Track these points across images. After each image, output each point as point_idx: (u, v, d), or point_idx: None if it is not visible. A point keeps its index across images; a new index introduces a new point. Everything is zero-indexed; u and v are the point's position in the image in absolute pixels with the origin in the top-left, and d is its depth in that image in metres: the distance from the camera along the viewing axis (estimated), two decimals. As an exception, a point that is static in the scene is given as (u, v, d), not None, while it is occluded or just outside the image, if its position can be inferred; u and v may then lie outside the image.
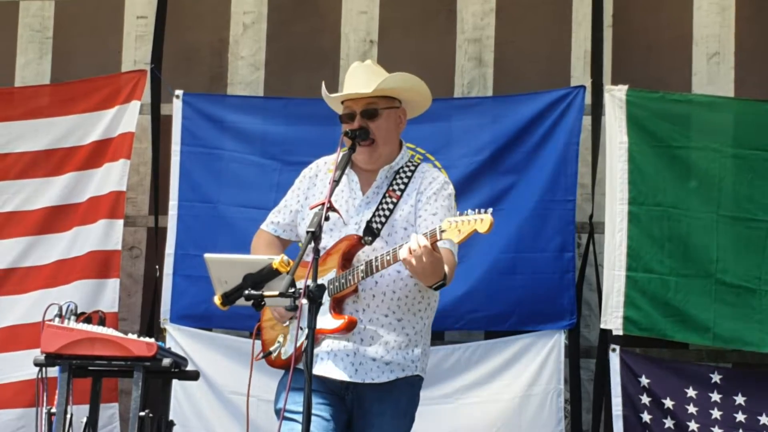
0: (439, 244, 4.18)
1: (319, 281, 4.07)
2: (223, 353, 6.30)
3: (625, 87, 6.10)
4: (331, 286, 4.34)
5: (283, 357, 4.44)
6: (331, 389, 4.37)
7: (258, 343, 4.54)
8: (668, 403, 5.95)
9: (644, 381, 5.97)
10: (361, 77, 4.52)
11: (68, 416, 5.13)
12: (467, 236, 4.10)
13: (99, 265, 6.43)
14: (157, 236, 6.55)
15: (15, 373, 6.38)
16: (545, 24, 6.63)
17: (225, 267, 4.20)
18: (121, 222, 6.45)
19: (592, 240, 6.19)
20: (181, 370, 5.30)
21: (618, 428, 5.94)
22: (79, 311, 5.29)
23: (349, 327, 4.32)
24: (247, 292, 4.07)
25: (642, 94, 6.11)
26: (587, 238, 6.20)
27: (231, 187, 6.43)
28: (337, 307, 4.36)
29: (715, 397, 5.95)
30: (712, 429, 5.91)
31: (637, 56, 6.50)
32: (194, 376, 5.45)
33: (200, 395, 6.27)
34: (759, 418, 5.90)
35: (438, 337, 6.20)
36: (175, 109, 6.49)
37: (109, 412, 6.30)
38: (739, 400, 5.93)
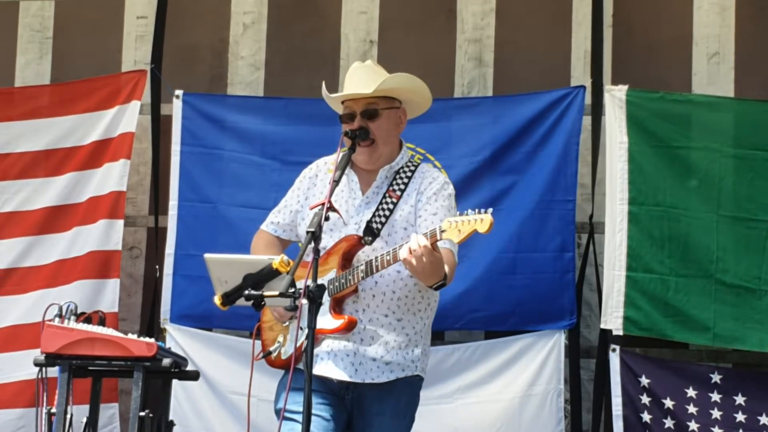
0: (439, 243, 4.18)
1: (319, 281, 4.07)
2: (223, 353, 6.30)
3: (625, 87, 6.10)
4: (331, 286, 4.34)
5: (283, 357, 4.44)
6: (331, 389, 4.37)
7: (258, 343, 4.54)
8: (668, 403, 5.95)
9: (644, 381, 5.97)
10: (362, 77, 4.52)
11: (68, 416, 5.13)
12: (467, 236, 4.10)
13: (99, 265, 6.43)
14: (157, 236, 6.55)
15: (15, 373, 6.38)
16: (545, 24, 6.63)
17: (225, 267, 4.20)
18: (121, 222, 6.45)
19: (592, 240, 6.19)
20: (181, 370, 5.30)
21: (618, 428, 5.94)
22: (79, 311, 5.29)
23: (349, 327, 4.32)
24: (247, 292, 4.07)
25: (642, 94, 6.11)
26: (587, 238, 6.20)
27: (231, 187, 6.43)
28: (337, 307, 4.36)
29: (715, 397, 5.95)
30: (712, 429, 5.91)
31: (637, 56, 6.50)
32: (194, 376, 5.45)
33: (200, 395, 6.27)
34: (759, 418, 5.90)
35: (438, 337, 6.21)
36: (175, 109, 6.49)
37: (109, 412, 6.30)
38: (739, 400, 5.93)
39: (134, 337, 5.18)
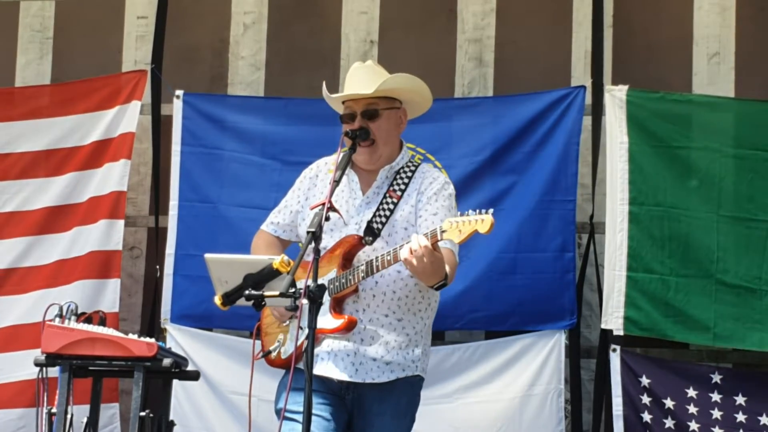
0: (440, 244, 4.18)
1: (320, 281, 4.07)
2: (223, 353, 6.30)
3: (626, 87, 6.10)
4: (332, 286, 4.34)
5: (283, 356, 4.44)
6: (332, 389, 4.37)
7: (258, 343, 4.54)
8: (669, 403, 5.95)
9: (645, 381, 5.97)
10: (362, 78, 4.52)
11: (69, 416, 5.12)
12: (468, 236, 4.10)
13: (99, 265, 6.43)
14: (157, 236, 6.55)
15: (15, 373, 6.38)
16: (545, 24, 6.63)
17: (225, 267, 4.20)
18: (121, 222, 6.45)
19: (593, 240, 6.19)
20: (181, 370, 5.30)
21: (618, 428, 5.94)
22: (79, 311, 5.29)
23: (349, 327, 4.32)
24: (247, 292, 4.07)
25: (642, 94, 6.11)
26: (588, 238, 6.21)
27: (231, 187, 6.43)
28: (338, 307, 4.36)
29: (716, 397, 5.95)
30: (713, 429, 5.91)
31: (637, 56, 6.50)
32: (195, 376, 5.44)
33: (201, 395, 6.27)
34: (759, 418, 5.90)
35: (438, 337, 6.20)
36: (176, 109, 6.49)
37: (110, 412, 6.30)
38: (740, 400, 5.93)
39: (135, 337, 5.17)
